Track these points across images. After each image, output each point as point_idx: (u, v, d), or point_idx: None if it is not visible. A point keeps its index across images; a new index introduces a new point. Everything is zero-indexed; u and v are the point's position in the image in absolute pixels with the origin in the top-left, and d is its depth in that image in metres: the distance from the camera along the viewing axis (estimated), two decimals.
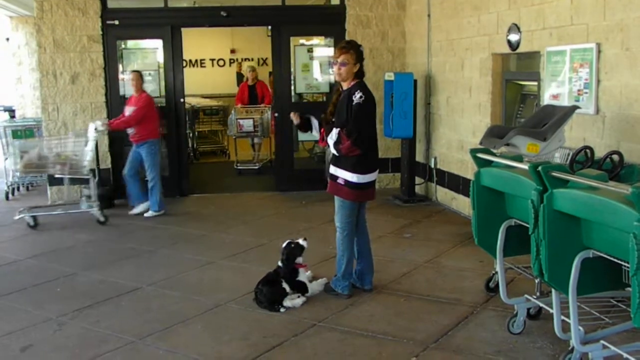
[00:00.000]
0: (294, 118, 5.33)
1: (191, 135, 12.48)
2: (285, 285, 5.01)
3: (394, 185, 9.39)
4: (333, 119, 5.13)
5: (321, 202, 8.31)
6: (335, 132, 5.00)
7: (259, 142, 11.85)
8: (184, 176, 9.44)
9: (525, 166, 3.96)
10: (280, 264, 5.17)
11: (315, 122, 5.33)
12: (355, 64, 5.03)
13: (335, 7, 9.48)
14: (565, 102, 5.49)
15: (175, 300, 5.22)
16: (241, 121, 11.18)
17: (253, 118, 11.20)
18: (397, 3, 9.35)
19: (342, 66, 5.01)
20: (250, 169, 11.27)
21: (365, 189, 5.09)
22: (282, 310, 4.89)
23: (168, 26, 9.15)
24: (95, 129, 7.90)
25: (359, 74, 5.09)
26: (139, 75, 8.13)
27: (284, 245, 5.23)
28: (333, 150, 5.07)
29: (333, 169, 5.13)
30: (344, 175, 5.04)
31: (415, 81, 8.41)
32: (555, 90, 5.71)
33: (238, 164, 11.35)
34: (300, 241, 5.20)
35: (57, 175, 8.24)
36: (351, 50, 5.04)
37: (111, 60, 9.10)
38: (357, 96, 4.93)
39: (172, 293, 5.39)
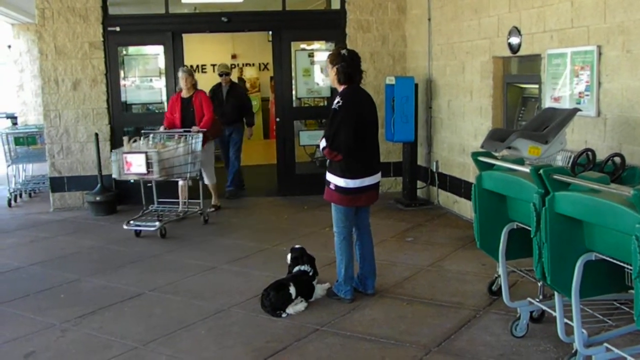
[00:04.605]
0: None
1: None
2: (292, 291, 4.99)
3: (396, 189, 9.38)
4: None
5: (323, 207, 8.26)
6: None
7: (183, 185, 8.14)
8: None
9: (526, 169, 3.96)
10: (305, 267, 5.29)
11: None
12: (332, 67, 5.06)
13: (336, 12, 9.49)
14: (566, 104, 5.49)
15: (178, 306, 5.22)
16: (128, 157, 7.17)
17: (146, 152, 7.13)
18: (397, 7, 9.36)
19: (327, 73, 5.19)
20: (146, 229, 7.39)
21: (357, 194, 5.04)
22: (284, 315, 4.90)
23: (169, 32, 9.17)
24: None
25: (346, 78, 5.06)
26: None
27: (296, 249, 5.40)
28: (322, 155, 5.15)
29: (327, 175, 5.16)
30: (334, 180, 5.05)
31: (416, 85, 8.42)
32: (556, 93, 5.71)
33: (131, 221, 7.51)
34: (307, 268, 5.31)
35: None
36: (330, 56, 5.15)
37: (112, 67, 9.12)
38: (335, 102, 5.00)
39: (174, 298, 5.39)
